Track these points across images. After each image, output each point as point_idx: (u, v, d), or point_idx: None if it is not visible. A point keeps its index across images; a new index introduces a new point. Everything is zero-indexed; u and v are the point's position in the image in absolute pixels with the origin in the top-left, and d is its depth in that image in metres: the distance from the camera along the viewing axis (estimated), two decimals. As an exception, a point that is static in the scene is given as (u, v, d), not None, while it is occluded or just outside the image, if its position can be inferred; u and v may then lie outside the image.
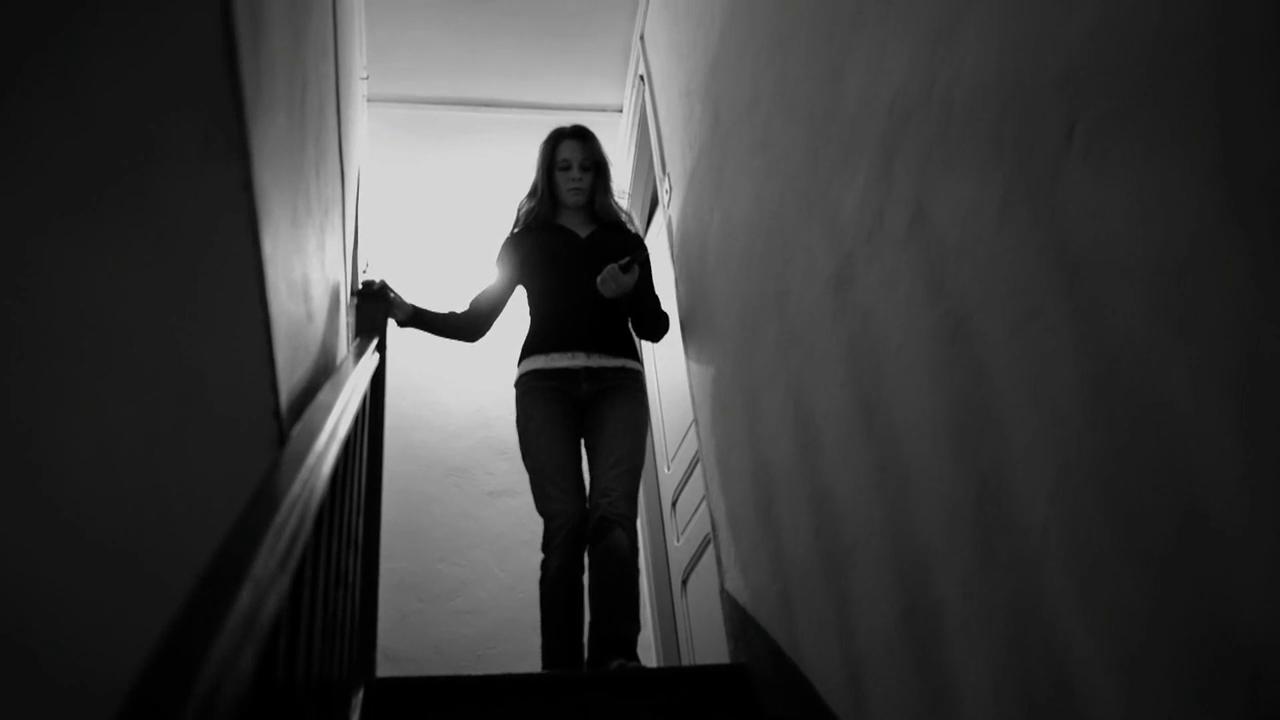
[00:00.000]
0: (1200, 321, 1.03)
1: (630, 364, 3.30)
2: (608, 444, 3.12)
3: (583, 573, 3.01)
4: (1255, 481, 0.96)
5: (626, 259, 3.26)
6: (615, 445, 3.11)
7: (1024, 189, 1.35)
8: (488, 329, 3.45)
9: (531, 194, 3.52)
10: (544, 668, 2.93)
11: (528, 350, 3.31)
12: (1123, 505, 1.16)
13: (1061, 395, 1.27)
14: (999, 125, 1.42)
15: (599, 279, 3.23)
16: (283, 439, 1.64)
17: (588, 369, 3.21)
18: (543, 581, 3.01)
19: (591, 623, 2.95)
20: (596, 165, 3.48)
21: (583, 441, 3.25)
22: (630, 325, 3.43)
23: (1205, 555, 1.03)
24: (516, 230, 3.52)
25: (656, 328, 3.45)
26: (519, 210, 3.56)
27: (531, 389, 3.22)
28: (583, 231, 3.46)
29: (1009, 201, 1.39)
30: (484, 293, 3.43)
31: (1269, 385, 0.94)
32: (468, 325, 3.41)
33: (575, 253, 3.37)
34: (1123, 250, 1.16)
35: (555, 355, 3.23)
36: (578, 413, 3.22)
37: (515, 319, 3.55)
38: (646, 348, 4.20)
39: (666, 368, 4.12)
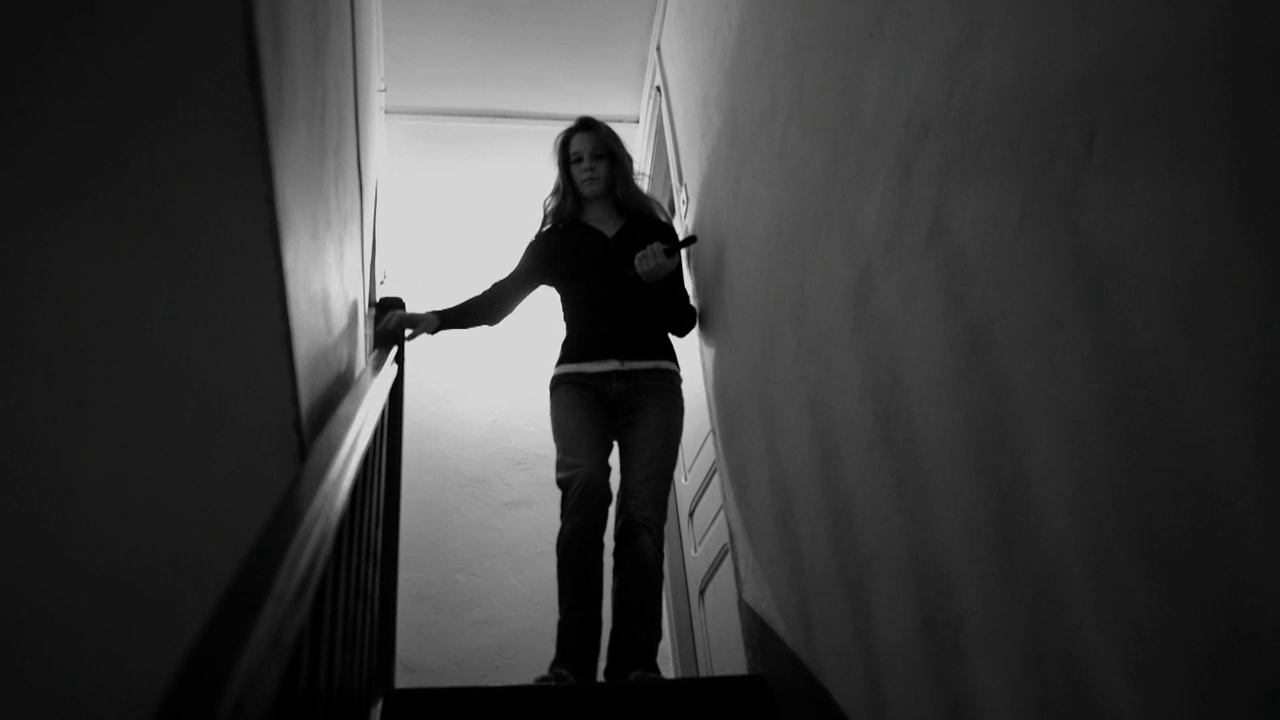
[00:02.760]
0: (1219, 333, 1.03)
1: (664, 364, 3.29)
2: (639, 445, 3.11)
3: (600, 536, 2.97)
4: (1274, 494, 0.96)
5: (675, 243, 3.26)
6: (646, 447, 3.10)
7: (1043, 201, 1.35)
8: (507, 314, 3.44)
9: (555, 191, 3.56)
10: (558, 636, 2.89)
11: (563, 358, 3.32)
12: (1142, 517, 1.15)
13: (1081, 407, 1.27)
14: (1018, 137, 1.41)
15: (638, 255, 3.22)
16: (303, 451, 1.64)
17: (619, 372, 3.22)
18: (557, 545, 2.98)
19: (613, 629, 2.93)
20: (609, 154, 3.50)
21: (616, 444, 3.23)
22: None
23: (1225, 567, 1.02)
24: (545, 229, 3.55)
25: (682, 321, 3.42)
26: (545, 208, 3.59)
27: (563, 385, 3.23)
28: (610, 229, 3.47)
29: (1028, 213, 1.39)
30: (507, 280, 3.43)
31: (1292, 399, 0.94)
32: (488, 307, 3.40)
33: (601, 254, 3.38)
34: (1142, 262, 1.15)
35: (587, 364, 3.24)
36: (607, 405, 3.20)
37: (535, 321, 3.55)
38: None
39: (684, 377, 4.12)
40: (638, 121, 5.00)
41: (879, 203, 1.89)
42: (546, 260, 3.44)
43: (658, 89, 4.37)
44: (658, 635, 2.94)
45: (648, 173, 4.63)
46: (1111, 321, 1.21)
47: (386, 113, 4.90)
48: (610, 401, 3.21)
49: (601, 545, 2.98)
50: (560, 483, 3.05)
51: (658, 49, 4.41)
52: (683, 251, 3.47)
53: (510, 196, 5.01)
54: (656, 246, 3.21)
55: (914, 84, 1.75)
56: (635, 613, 2.90)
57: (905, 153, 1.78)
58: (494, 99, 5.07)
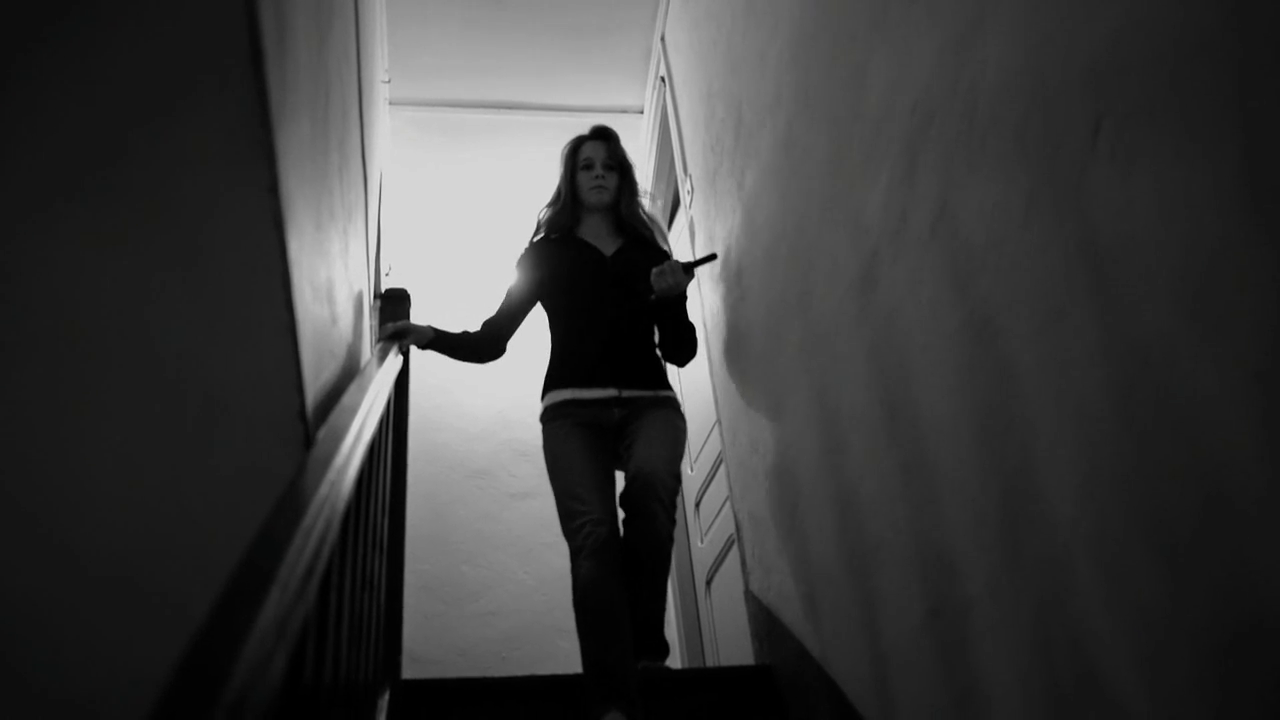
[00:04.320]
0: (1227, 320, 1.03)
1: (663, 393, 3.06)
2: (643, 440, 2.89)
3: (619, 579, 2.68)
4: (1287, 482, 0.95)
5: (697, 260, 3.13)
6: (657, 434, 2.91)
7: (1049, 189, 1.34)
8: (504, 347, 3.25)
9: (554, 200, 3.33)
10: (589, 679, 2.55)
11: (553, 383, 3.09)
12: (1150, 505, 1.15)
13: (1088, 395, 1.26)
14: (1024, 125, 1.41)
15: (655, 271, 3.00)
16: (308, 441, 1.64)
17: (619, 399, 2.99)
18: (574, 592, 2.68)
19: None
20: (621, 166, 3.29)
21: (618, 472, 3.00)
22: (657, 348, 3.21)
23: (1233, 555, 1.02)
24: (536, 239, 3.32)
25: (683, 346, 3.21)
26: (539, 219, 3.36)
27: (559, 419, 3.00)
28: (608, 248, 3.25)
29: (1034, 201, 1.38)
30: (500, 311, 3.23)
31: (1301, 385, 0.93)
32: (486, 344, 3.21)
33: (599, 274, 3.17)
34: (1149, 250, 1.15)
35: (584, 390, 3.00)
36: (608, 437, 2.98)
37: (540, 314, 3.46)
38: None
39: (689, 368, 4.11)
40: (642, 112, 4.99)
41: (884, 192, 1.89)
42: (541, 276, 3.22)
43: (662, 79, 4.36)
44: (663, 606, 2.84)
45: (652, 167, 4.61)
46: (1119, 309, 1.20)
47: (390, 104, 4.89)
48: (610, 430, 2.99)
49: (622, 588, 2.69)
50: (567, 534, 2.80)
51: (662, 39, 4.40)
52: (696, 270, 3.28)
53: (514, 186, 5.00)
54: (675, 263, 3.02)
55: (920, 72, 1.74)
56: (646, 585, 2.76)
57: (911, 141, 1.78)
58: (498, 89, 5.07)
